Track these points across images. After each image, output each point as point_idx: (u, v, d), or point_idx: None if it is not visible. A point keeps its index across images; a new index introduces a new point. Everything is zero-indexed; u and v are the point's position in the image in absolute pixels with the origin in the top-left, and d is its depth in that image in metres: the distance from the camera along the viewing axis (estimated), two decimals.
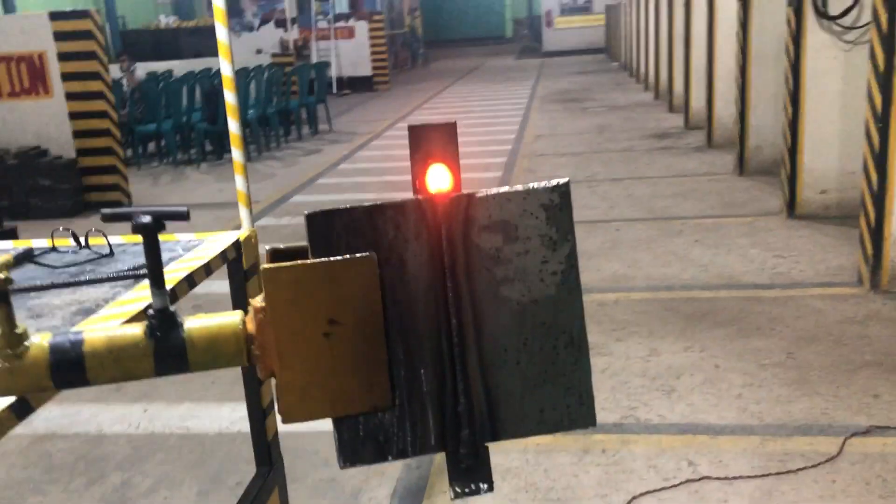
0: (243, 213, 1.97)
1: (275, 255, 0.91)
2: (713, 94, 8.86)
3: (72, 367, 0.84)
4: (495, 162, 9.40)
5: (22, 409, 1.18)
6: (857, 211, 4.95)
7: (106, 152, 8.14)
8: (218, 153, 10.99)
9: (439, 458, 3.32)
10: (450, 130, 0.92)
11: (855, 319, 4.29)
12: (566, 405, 0.94)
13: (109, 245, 1.83)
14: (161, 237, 2.04)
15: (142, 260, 1.77)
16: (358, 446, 0.91)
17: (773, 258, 5.34)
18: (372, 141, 11.91)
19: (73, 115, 8.02)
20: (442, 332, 0.92)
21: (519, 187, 0.93)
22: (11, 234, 6.56)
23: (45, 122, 8.05)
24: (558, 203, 0.93)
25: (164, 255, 1.83)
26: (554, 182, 0.93)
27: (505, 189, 0.92)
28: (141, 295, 1.54)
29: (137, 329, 0.86)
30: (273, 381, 0.89)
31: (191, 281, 1.65)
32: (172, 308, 0.87)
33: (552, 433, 0.94)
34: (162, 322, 0.86)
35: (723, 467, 3.09)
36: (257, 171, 9.98)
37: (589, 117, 12.54)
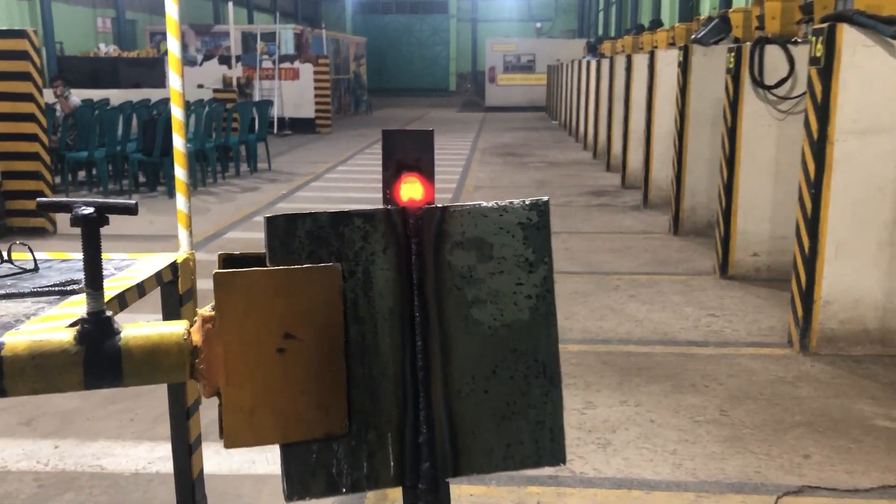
0: (182, 234, 1.86)
1: (227, 261, 0.83)
2: (650, 155, 9.08)
3: None
4: None
5: None
6: (787, 274, 5.08)
7: (33, 176, 7.83)
8: (151, 185, 10.72)
9: None
10: (426, 138, 0.86)
11: (785, 380, 4.35)
12: (535, 440, 0.88)
13: (34, 259, 1.70)
14: None
15: (70, 276, 1.65)
16: (307, 477, 0.82)
17: (707, 316, 5.41)
18: (311, 182, 11.81)
19: (1, 137, 7.71)
20: (406, 354, 0.84)
21: (496, 203, 0.87)
22: None
23: None
24: (536, 222, 0.88)
25: None
26: (532, 200, 0.88)
27: (481, 204, 0.86)
28: (67, 312, 1.42)
29: (67, 334, 0.76)
30: (217, 401, 0.80)
31: (122, 301, 1.54)
32: (109, 313, 0.77)
33: (519, 469, 0.87)
34: (96, 327, 0.76)
35: None
36: (191, 206, 9.75)
37: (528, 172, 12.71)
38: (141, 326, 0.80)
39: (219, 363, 0.78)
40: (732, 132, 6.10)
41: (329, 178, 12.33)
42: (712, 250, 6.70)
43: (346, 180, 11.98)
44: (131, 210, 0.78)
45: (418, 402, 0.84)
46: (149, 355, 0.78)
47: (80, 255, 1.90)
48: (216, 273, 0.77)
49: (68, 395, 4.16)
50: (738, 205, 6.18)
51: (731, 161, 6.15)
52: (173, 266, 1.78)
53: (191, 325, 0.81)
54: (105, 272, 1.74)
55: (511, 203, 0.88)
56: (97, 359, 0.77)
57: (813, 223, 4.61)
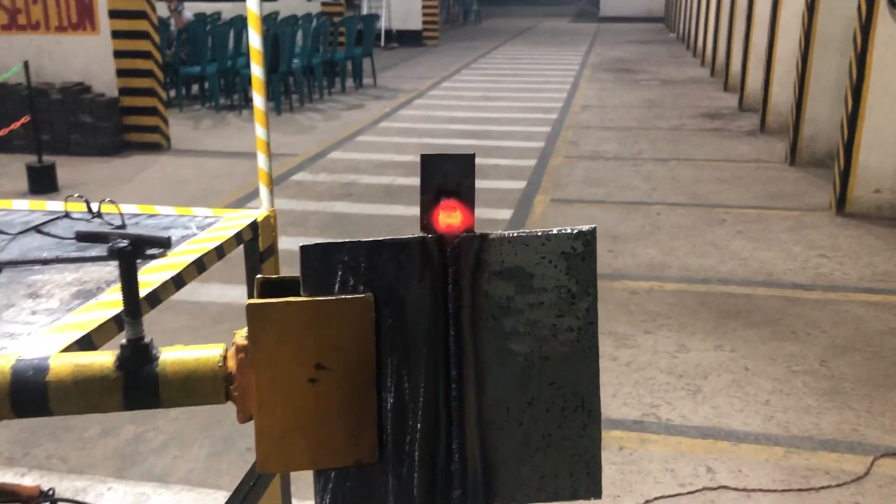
0: (263, 192, 1.89)
1: (265, 285, 0.84)
2: (771, 76, 8.54)
3: (33, 396, 0.77)
4: (539, 131, 9.22)
5: None
6: None
7: (147, 93, 8.13)
8: None
9: None
10: (466, 162, 0.83)
11: None
12: (569, 473, 0.86)
13: (122, 216, 1.77)
14: (178, 211, 1.97)
15: (155, 234, 1.71)
16: (339, 501, 0.84)
17: (817, 257, 5.16)
18: (415, 99, 11.76)
19: (118, 54, 8.00)
20: (440, 384, 0.84)
21: (538, 232, 0.83)
22: (49, 171, 6.60)
23: (90, 58, 8.04)
24: (581, 252, 0.84)
25: (178, 233, 1.76)
26: (578, 229, 0.84)
27: (522, 233, 0.83)
28: (147, 279, 1.48)
29: (108, 359, 0.79)
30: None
31: (200, 265, 1.59)
32: (147, 339, 0.80)
33: (551, 502, 0.86)
34: (135, 354, 0.79)
35: (742, 478, 2.99)
36: (298, 123, 9.92)
37: (640, 90, 12.23)
38: (178, 351, 0.82)
39: (251, 391, 0.79)
40: (862, 57, 5.64)
41: (433, 94, 12.25)
42: (830, 184, 6.32)
43: (449, 97, 11.87)
44: (164, 243, 0.79)
45: (451, 432, 0.84)
46: (185, 381, 0.80)
47: (169, 210, 1.97)
48: (249, 304, 0.78)
49: None
50: (862, 136, 5.76)
51: (858, 88, 5.71)
52: (253, 225, 1.82)
53: (227, 349, 0.83)
54: (188, 231, 1.80)
55: (554, 232, 0.84)
56: (136, 384, 0.79)
57: None
